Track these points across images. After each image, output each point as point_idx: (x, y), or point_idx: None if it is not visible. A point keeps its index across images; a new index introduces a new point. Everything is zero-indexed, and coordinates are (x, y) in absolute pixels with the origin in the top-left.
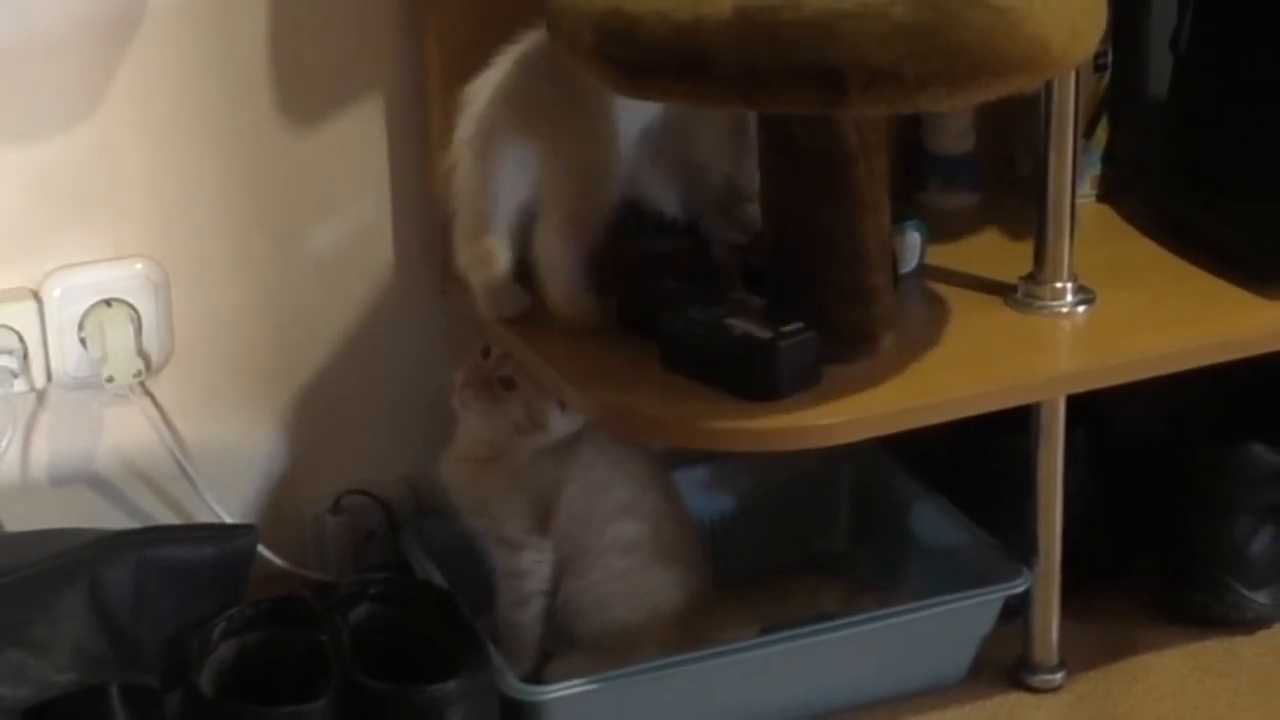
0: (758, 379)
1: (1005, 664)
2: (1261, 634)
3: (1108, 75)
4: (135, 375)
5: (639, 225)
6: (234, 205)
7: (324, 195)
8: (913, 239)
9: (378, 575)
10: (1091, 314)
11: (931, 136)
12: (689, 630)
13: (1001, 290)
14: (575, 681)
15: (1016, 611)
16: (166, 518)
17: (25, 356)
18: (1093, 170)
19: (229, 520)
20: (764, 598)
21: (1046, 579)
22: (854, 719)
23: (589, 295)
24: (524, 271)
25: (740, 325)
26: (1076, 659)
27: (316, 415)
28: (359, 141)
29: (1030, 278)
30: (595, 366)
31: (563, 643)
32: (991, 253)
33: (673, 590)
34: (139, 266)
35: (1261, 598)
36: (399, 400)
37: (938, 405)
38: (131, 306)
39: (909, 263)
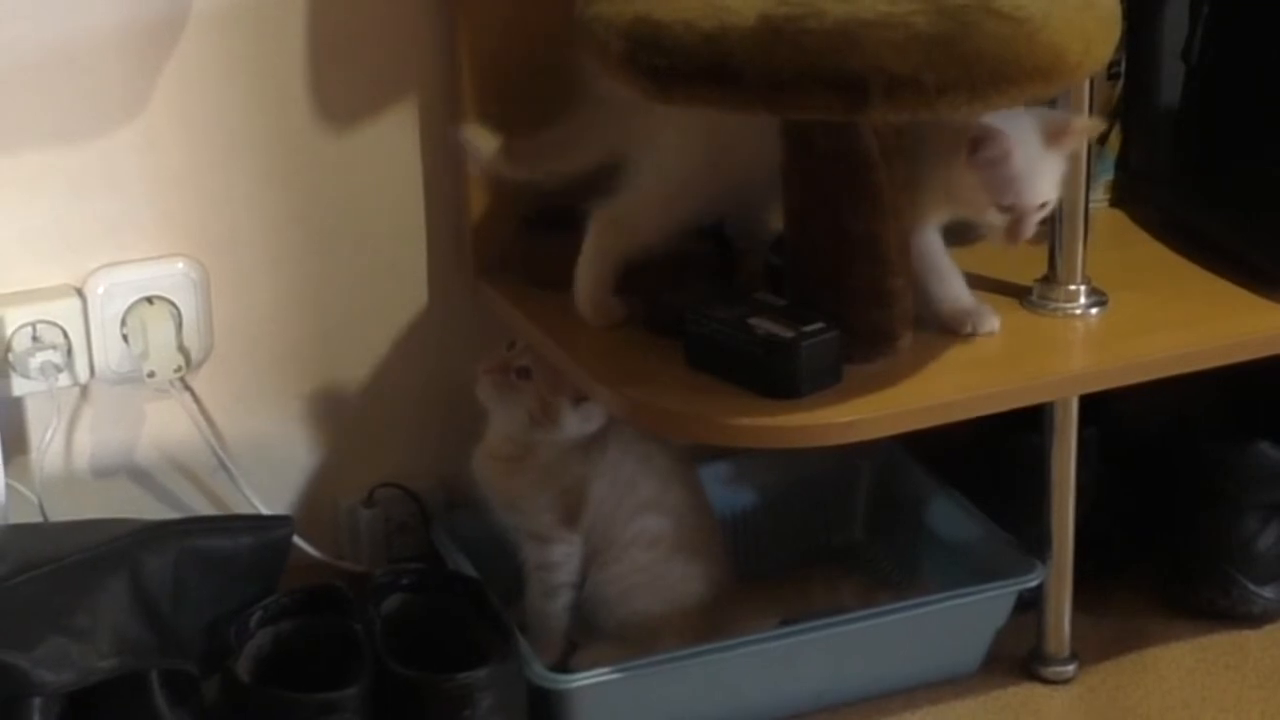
0: (779, 377)
1: (1019, 655)
2: (1268, 628)
3: (1121, 84)
4: (176, 370)
5: None
6: (272, 206)
7: (359, 196)
8: None
9: (409, 566)
10: (1104, 316)
11: None
12: (711, 621)
13: (1017, 292)
14: (600, 670)
15: (1030, 605)
16: (205, 509)
17: (70, 352)
18: (1105, 176)
19: (266, 512)
20: (784, 590)
21: (1059, 573)
22: (871, 708)
23: (612, 298)
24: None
25: (763, 325)
26: (1088, 651)
27: (351, 411)
28: (394, 143)
29: (1045, 280)
30: (623, 364)
31: (588, 633)
32: (1007, 256)
33: (695, 583)
34: (180, 265)
35: (1268, 592)
36: (430, 396)
37: (954, 404)
38: (172, 304)
39: None
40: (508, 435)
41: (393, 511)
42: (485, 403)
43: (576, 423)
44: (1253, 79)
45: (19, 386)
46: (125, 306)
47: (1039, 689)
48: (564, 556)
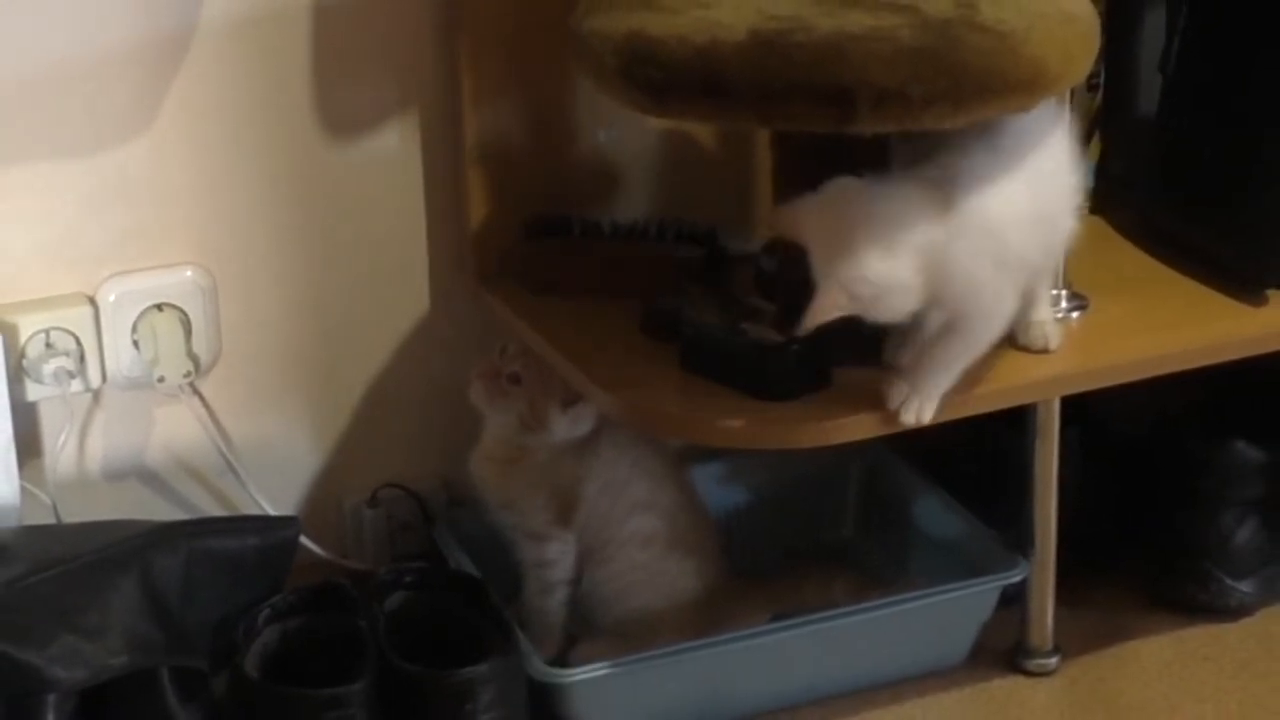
0: (771, 380)
1: (1003, 649)
2: (1245, 621)
3: (1100, 95)
4: (185, 376)
5: (660, 233)
6: (278, 215)
7: (362, 205)
8: None
9: (412, 564)
10: (1085, 319)
11: None
12: (706, 617)
13: None
14: (598, 665)
15: (1014, 599)
16: (214, 510)
17: (82, 358)
18: (1086, 184)
19: (272, 512)
20: (777, 587)
21: (1042, 569)
22: (860, 701)
23: None
24: None
25: (754, 329)
26: (1070, 644)
27: (355, 413)
28: (396, 154)
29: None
30: (619, 368)
31: (587, 628)
32: None
33: (690, 579)
34: (189, 273)
35: (1245, 586)
36: (432, 399)
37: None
38: (182, 311)
39: None
40: (502, 438)
41: (396, 511)
42: (478, 406)
43: (566, 426)
44: (1227, 89)
45: (33, 392)
46: (136, 314)
47: (1023, 681)
48: (559, 554)
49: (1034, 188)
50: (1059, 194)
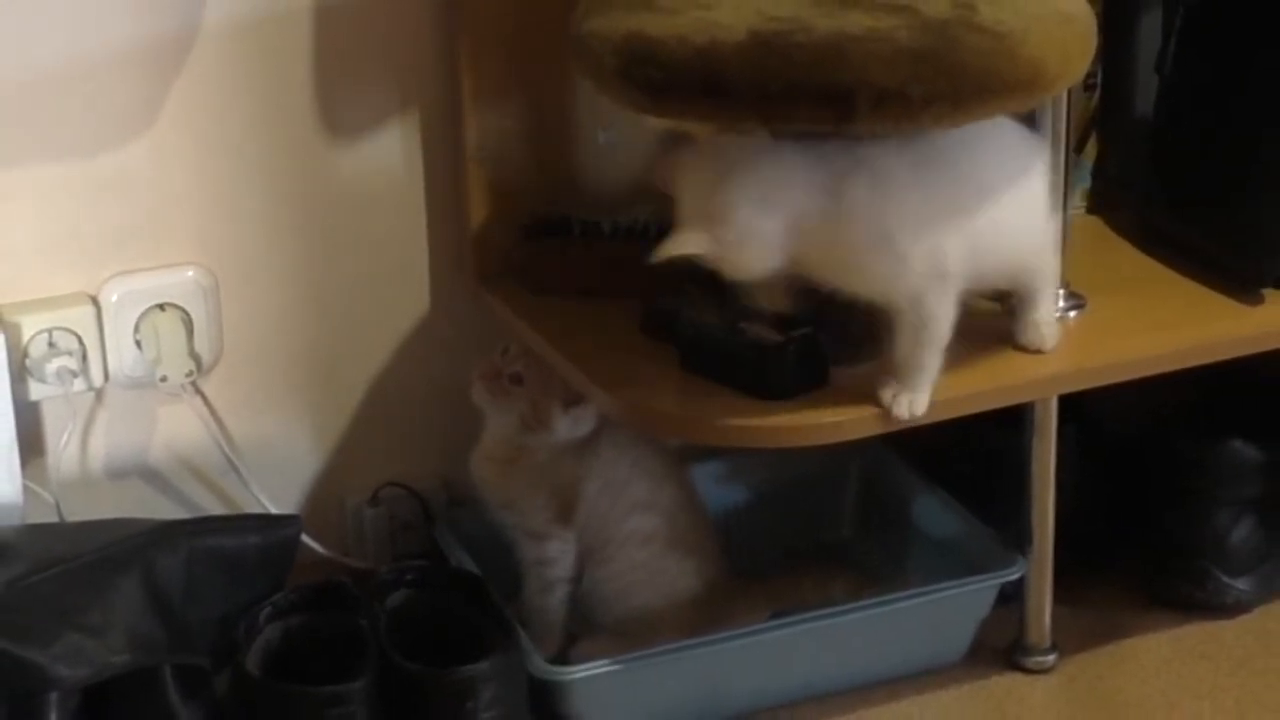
0: (769, 379)
1: (1001, 646)
2: (1241, 618)
3: (1097, 95)
4: (187, 375)
5: (660, 233)
6: (279, 215)
7: (363, 206)
8: None
9: (413, 563)
10: (1082, 319)
11: None
12: (705, 615)
13: (998, 296)
14: (598, 662)
15: (1012, 597)
16: (216, 509)
17: (84, 358)
18: (1083, 184)
19: (274, 511)
20: (776, 585)
21: (1040, 567)
22: (858, 698)
23: None
24: None
25: (753, 329)
26: (1068, 642)
27: (356, 413)
28: (396, 155)
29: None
30: (618, 368)
31: (586, 626)
32: None
33: (689, 578)
34: (191, 273)
35: (1241, 584)
36: (433, 399)
37: (938, 404)
38: (184, 310)
39: None
40: (502, 438)
41: (397, 510)
42: (480, 406)
43: (567, 426)
44: (1224, 89)
45: (36, 391)
46: (138, 313)
47: (1020, 678)
48: (559, 553)
49: (967, 194)
50: (1011, 204)
